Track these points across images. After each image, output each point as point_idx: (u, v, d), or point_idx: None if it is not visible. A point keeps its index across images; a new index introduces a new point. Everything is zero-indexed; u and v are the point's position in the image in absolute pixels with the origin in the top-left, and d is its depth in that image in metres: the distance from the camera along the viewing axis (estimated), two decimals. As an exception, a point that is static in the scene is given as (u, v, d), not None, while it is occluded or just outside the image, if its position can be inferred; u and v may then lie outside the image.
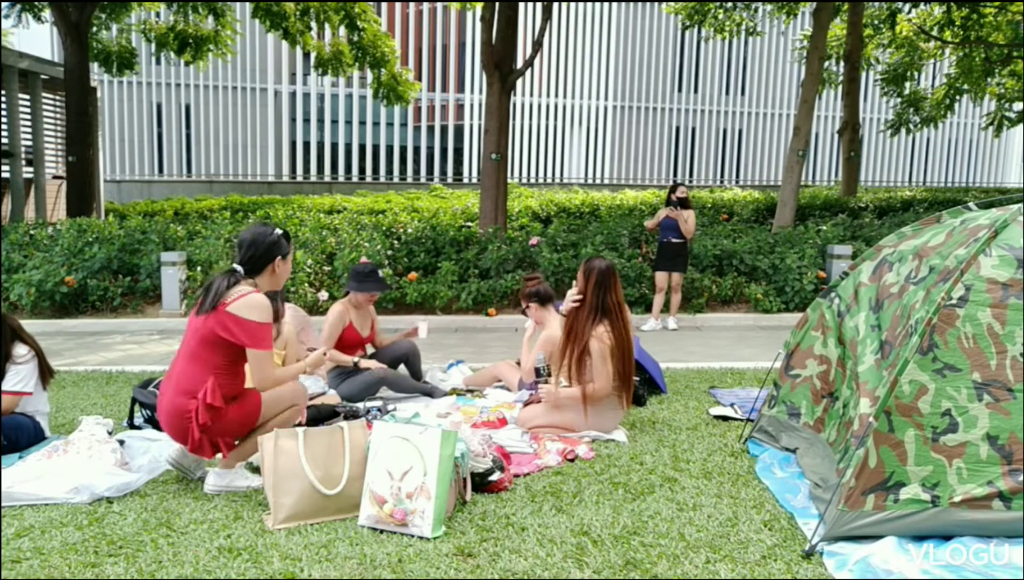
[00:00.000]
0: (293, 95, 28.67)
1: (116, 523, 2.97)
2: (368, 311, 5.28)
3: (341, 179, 28.80)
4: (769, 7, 15.90)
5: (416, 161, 30.83)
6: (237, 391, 3.26)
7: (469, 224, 12.22)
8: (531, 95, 29.92)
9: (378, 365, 4.96)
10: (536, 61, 16.57)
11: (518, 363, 5.23)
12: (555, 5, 13.46)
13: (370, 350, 5.40)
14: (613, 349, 4.05)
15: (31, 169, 15.84)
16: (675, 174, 30.32)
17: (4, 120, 15.08)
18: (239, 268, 3.28)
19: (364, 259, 9.18)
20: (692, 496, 3.25)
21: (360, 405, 4.49)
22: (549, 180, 28.69)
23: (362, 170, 29.99)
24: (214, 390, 3.13)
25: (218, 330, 3.14)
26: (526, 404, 4.45)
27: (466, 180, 28.76)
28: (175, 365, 3.29)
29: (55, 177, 16.58)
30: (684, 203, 8.47)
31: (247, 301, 3.15)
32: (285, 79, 28.34)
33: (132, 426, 4.30)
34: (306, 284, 9.25)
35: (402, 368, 5.34)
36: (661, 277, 8.59)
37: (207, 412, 3.13)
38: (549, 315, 4.99)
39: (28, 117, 15.86)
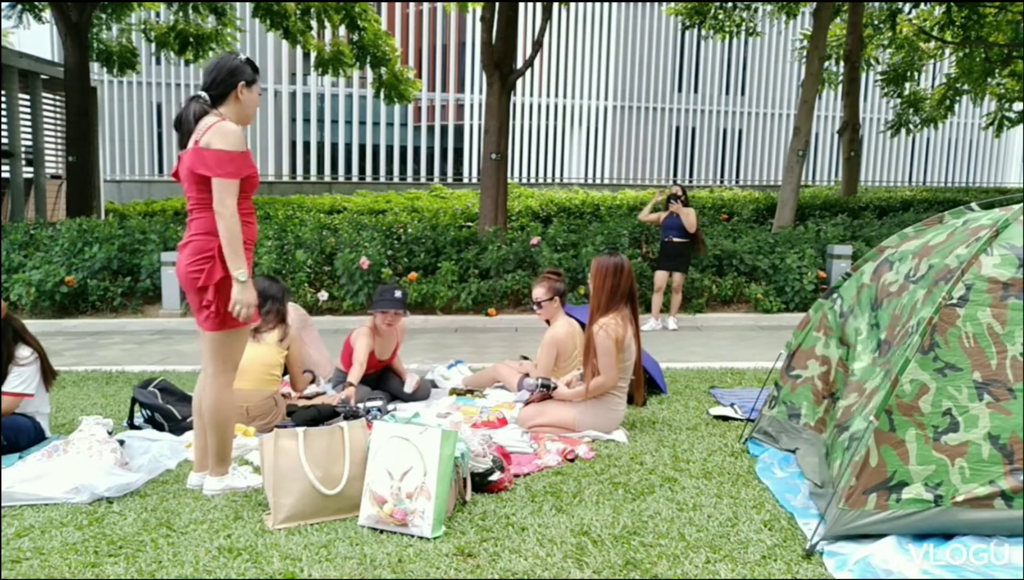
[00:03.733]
0: (293, 95, 28.67)
1: (116, 523, 2.96)
2: (394, 334, 5.08)
3: (341, 179, 28.80)
4: (769, 7, 15.90)
5: (416, 161, 30.83)
6: (249, 239, 3.19)
7: (469, 224, 12.22)
8: (531, 95, 29.93)
9: (348, 397, 4.69)
10: (536, 61, 16.59)
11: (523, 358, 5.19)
12: (555, 5, 13.45)
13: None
14: (620, 340, 4.05)
15: (31, 169, 15.84)
16: (675, 174, 30.33)
17: (4, 120, 15.09)
18: (203, 93, 3.18)
19: (364, 259, 9.17)
20: (692, 496, 3.25)
21: (360, 405, 4.48)
22: (549, 180, 28.69)
23: (362, 170, 30.00)
24: None
25: (199, 169, 3.06)
26: (526, 404, 4.45)
27: (466, 180, 28.76)
28: (188, 217, 3.22)
29: (55, 177, 16.58)
30: (683, 201, 8.51)
31: (215, 129, 3.06)
32: (285, 79, 28.35)
33: (132, 426, 4.30)
34: (306, 284, 9.25)
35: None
36: (660, 276, 8.60)
37: None
38: (560, 313, 4.98)
39: (28, 117, 15.87)
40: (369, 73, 16.34)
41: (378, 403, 4.54)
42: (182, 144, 3.19)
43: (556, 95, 30.24)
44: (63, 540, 2.81)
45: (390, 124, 29.94)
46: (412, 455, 2.91)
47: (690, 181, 29.98)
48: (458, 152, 30.79)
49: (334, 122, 29.55)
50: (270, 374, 4.25)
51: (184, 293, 3.27)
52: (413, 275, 9.43)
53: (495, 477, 3.28)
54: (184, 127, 3.16)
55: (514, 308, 9.43)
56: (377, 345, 5.00)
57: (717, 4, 15.29)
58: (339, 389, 4.96)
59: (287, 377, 4.61)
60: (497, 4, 10.73)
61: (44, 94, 16.30)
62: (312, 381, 4.94)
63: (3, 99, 14.72)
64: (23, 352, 3.85)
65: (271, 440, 3.04)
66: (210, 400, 3.22)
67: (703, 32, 16.75)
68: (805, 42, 15.44)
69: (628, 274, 4.18)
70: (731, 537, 2.85)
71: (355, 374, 4.79)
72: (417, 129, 30.86)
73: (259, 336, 4.27)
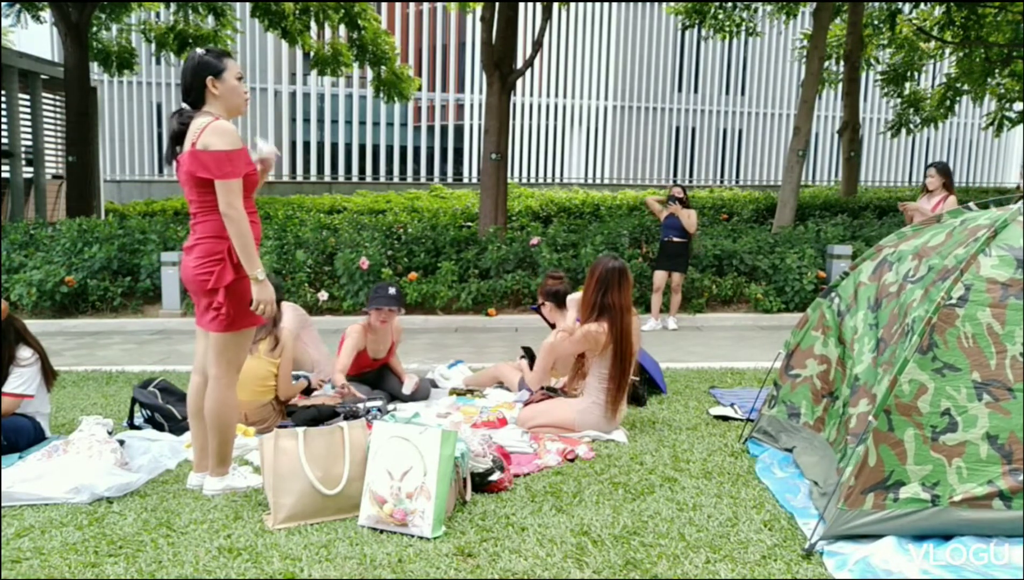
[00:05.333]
0: (293, 95, 28.65)
1: (116, 523, 2.97)
2: (388, 332, 5.07)
3: (341, 179, 28.78)
4: (769, 7, 15.89)
5: (416, 161, 30.81)
6: (255, 237, 3.18)
7: (469, 224, 12.22)
8: (531, 95, 29.91)
9: (347, 395, 4.73)
10: (536, 61, 16.60)
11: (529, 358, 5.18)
12: (555, 5, 13.47)
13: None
14: (601, 345, 4.05)
15: (31, 169, 15.84)
16: (675, 174, 30.31)
17: (4, 120, 15.08)
18: (185, 106, 3.19)
19: (364, 259, 9.17)
20: (692, 496, 3.25)
21: (360, 405, 4.48)
22: (549, 180, 28.67)
23: (362, 170, 29.98)
24: None
25: (197, 172, 3.05)
26: (526, 404, 4.45)
27: (466, 180, 28.75)
28: (191, 221, 3.22)
29: (55, 177, 16.58)
30: (683, 202, 8.51)
31: (210, 129, 3.04)
32: (285, 79, 28.33)
33: (132, 426, 4.30)
34: (306, 284, 9.26)
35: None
36: (660, 276, 8.60)
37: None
38: (562, 318, 4.94)
39: (28, 117, 15.85)
40: (368, 72, 16.34)
41: (378, 403, 4.54)
42: (168, 158, 3.21)
43: (556, 95, 30.22)
44: (63, 540, 2.81)
45: (390, 124, 29.92)
46: (412, 455, 2.91)
47: (690, 181, 29.96)
48: (458, 152, 30.77)
49: (334, 122, 29.53)
50: (264, 385, 4.20)
51: (189, 294, 3.27)
52: (413, 275, 9.43)
53: (495, 477, 3.29)
54: (172, 141, 3.18)
55: (514, 308, 9.43)
56: (370, 344, 4.98)
57: (717, 4, 15.28)
58: (335, 391, 4.96)
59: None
60: (497, 4, 10.72)
61: (44, 94, 16.29)
62: (306, 388, 4.85)
63: (3, 99, 14.72)
64: (24, 353, 3.85)
65: (271, 440, 3.05)
66: (213, 402, 3.21)
67: (703, 32, 16.75)
68: (805, 42, 15.44)
69: (613, 288, 4.09)
70: (731, 537, 2.85)
71: (340, 367, 4.82)
72: (417, 129, 30.84)
73: (252, 346, 4.09)
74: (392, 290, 4.93)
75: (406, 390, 5.01)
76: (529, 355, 5.22)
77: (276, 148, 3.47)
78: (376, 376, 5.11)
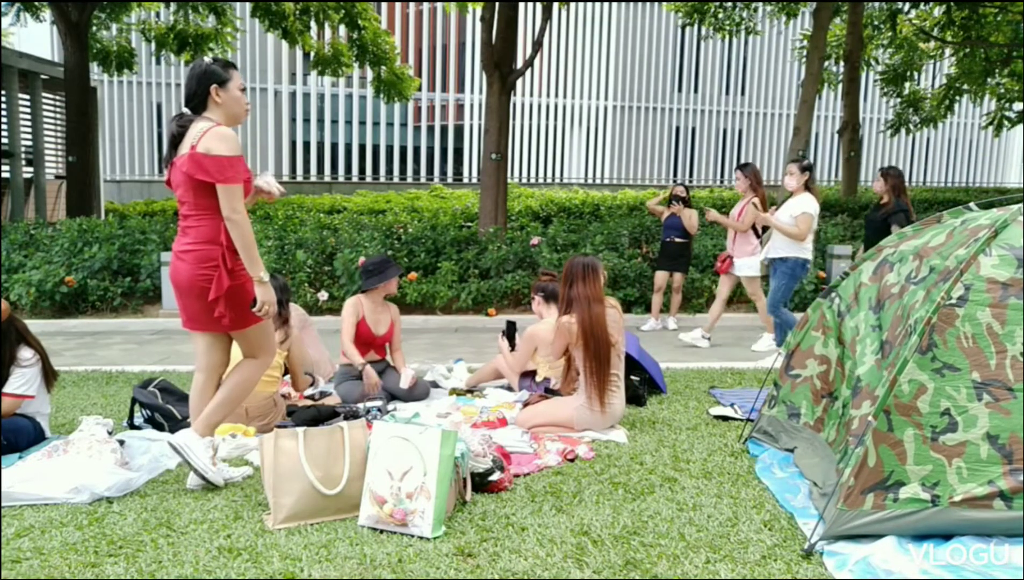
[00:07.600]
0: (293, 95, 28.66)
1: (116, 523, 2.97)
2: (388, 309, 5.18)
3: (341, 179, 28.80)
4: (769, 7, 15.90)
5: (416, 161, 30.83)
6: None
7: (469, 224, 12.23)
8: (531, 95, 29.92)
9: (377, 383, 4.85)
10: (536, 61, 16.61)
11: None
12: (555, 5, 13.47)
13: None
14: (575, 336, 4.10)
15: (31, 169, 15.84)
16: (675, 174, 30.32)
17: (4, 120, 15.08)
18: (186, 110, 3.23)
19: (363, 259, 9.17)
20: (692, 496, 3.25)
21: (360, 405, 4.48)
22: (549, 180, 28.69)
23: (362, 170, 29.99)
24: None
25: (196, 174, 3.08)
26: (526, 404, 4.46)
27: (466, 180, 28.76)
28: (182, 223, 3.25)
29: (55, 177, 16.58)
30: (685, 201, 8.51)
31: (212, 134, 3.09)
32: (285, 79, 28.34)
33: (132, 426, 4.30)
34: (306, 284, 9.26)
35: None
36: (661, 276, 8.59)
37: (233, 257, 3.19)
38: (549, 313, 5.01)
39: (28, 117, 15.85)
40: (368, 72, 16.35)
41: (378, 403, 4.55)
42: (167, 160, 3.26)
43: (556, 95, 30.24)
44: (63, 540, 2.81)
45: (390, 124, 29.94)
46: (412, 455, 2.91)
47: (690, 181, 29.96)
48: (458, 152, 30.78)
49: (334, 122, 29.54)
50: (269, 376, 4.23)
51: (176, 297, 3.37)
52: (413, 275, 9.43)
53: (495, 477, 3.29)
54: (169, 144, 3.24)
55: (514, 308, 9.44)
56: (370, 315, 5.05)
57: (717, 3, 15.28)
58: (339, 388, 4.96)
59: (287, 377, 4.61)
60: (497, 4, 10.73)
61: (44, 94, 16.28)
62: (312, 383, 4.92)
63: (3, 99, 14.72)
64: (25, 353, 3.85)
65: (271, 440, 3.05)
66: (240, 374, 3.41)
67: (703, 31, 16.76)
68: (805, 42, 15.44)
69: (578, 281, 4.16)
70: (731, 537, 2.85)
71: (352, 354, 4.92)
72: (417, 129, 30.85)
73: None
74: (383, 260, 5.15)
75: (403, 384, 4.99)
76: (509, 333, 5.33)
77: (279, 186, 3.58)
78: (379, 372, 5.10)
